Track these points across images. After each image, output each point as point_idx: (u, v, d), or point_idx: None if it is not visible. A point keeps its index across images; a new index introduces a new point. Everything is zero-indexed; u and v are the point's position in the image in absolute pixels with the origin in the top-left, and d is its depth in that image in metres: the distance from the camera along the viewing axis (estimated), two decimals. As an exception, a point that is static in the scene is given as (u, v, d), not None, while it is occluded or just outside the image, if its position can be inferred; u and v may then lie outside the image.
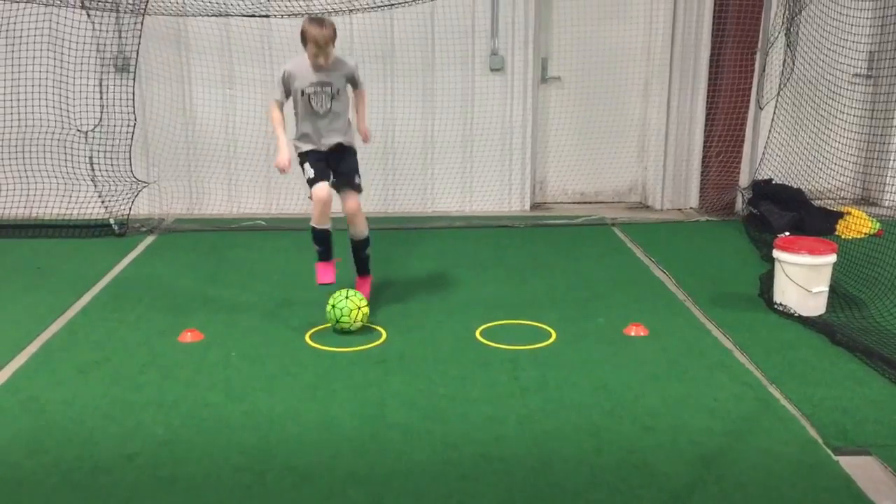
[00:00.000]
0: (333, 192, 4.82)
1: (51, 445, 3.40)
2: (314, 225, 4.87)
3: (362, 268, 5.12)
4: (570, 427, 3.58)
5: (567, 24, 7.69)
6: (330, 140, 4.81)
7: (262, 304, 5.17)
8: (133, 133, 7.02)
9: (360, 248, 5.04)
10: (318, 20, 4.58)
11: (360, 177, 4.93)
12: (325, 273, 4.96)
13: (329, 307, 4.62)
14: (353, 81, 4.88)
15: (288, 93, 4.74)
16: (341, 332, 4.62)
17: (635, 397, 3.87)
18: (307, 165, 4.79)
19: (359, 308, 4.61)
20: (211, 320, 4.85)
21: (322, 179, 4.76)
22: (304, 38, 4.57)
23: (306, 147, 4.82)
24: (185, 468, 3.24)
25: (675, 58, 7.68)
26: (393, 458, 3.32)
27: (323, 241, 4.92)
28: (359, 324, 4.64)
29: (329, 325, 4.68)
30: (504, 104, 7.71)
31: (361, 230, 4.96)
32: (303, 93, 4.68)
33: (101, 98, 6.96)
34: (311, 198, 4.80)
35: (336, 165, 4.86)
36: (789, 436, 3.52)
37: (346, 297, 4.62)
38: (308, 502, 3.02)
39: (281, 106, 4.79)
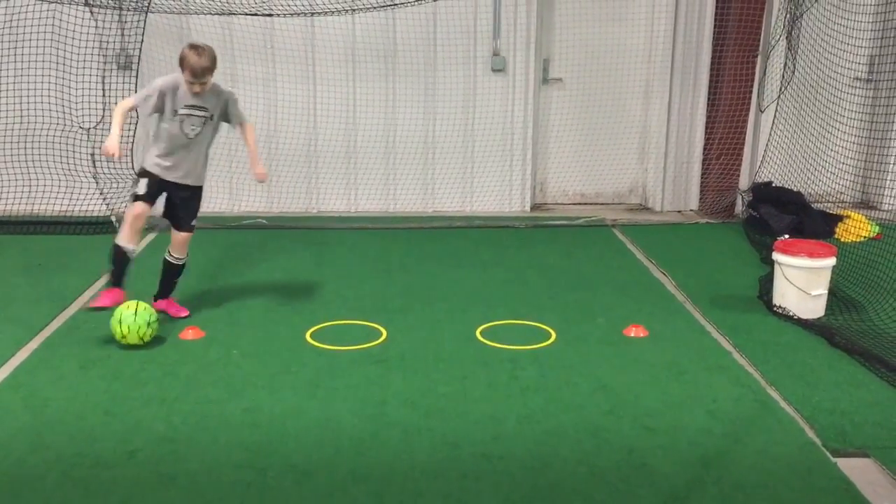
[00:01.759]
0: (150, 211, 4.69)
1: (52, 441, 3.41)
2: (122, 243, 4.65)
3: (168, 290, 4.96)
4: (570, 427, 3.59)
5: (569, 25, 7.71)
6: (184, 176, 4.65)
7: (263, 302, 5.18)
8: (135, 131, 7.02)
9: (174, 273, 4.93)
10: (196, 48, 4.36)
11: (195, 220, 4.85)
12: (107, 296, 4.69)
13: (114, 322, 4.36)
14: (228, 114, 4.70)
15: (158, 109, 4.48)
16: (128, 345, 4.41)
17: (635, 398, 3.89)
18: (143, 181, 4.61)
19: (148, 324, 4.36)
20: (212, 318, 4.87)
21: (148, 202, 4.61)
22: (182, 64, 4.36)
23: (155, 170, 4.61)
24: (186, 465, 3.25)
25: (676, 60, 7.70)
26: (393, 456, 3.33)
27: (124, 263, 4.72)
28: (147, 339, 4.39)
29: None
30: (505, 105, 7.73)
31: (182, 255, 4.88)
32: (176, 112, 4.49)
33: (104, 95, 6.97)
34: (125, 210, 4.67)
35: (179, 208, 4.74)
36: (788, 437, 3.53)
37: (136, 313, 4.35)
38: (308, 500, 3.03)
39: (132, 108, 4.53)
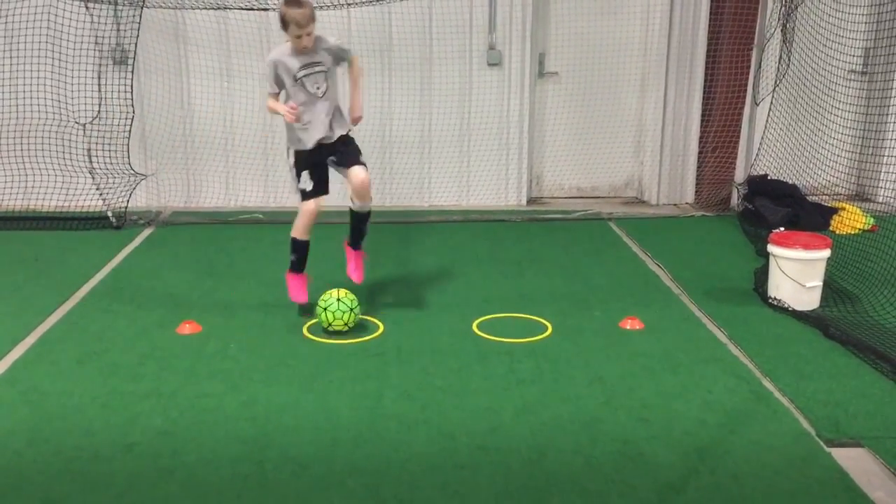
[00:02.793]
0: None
1: (50, 435, 3.43)
2: (297, 237, 4.79)
3: (357, 240, 4.96)
4: (566, 418, 3.61)
5: (564, 19, 7.71)
6: (326, 134, 4.62)
7: (260, 296, 5.19)
8: (131, 125, 7.02)
9: (362, 220, 4.88)
10: (294, 1, 4.36)
11: (362, 155, 4.76)
12: (298, 290, 4.86)
13: (320, 310, 4.53)
14: (341, 56, 4.65)
15: (279, 84, 4.58)
16: (334, 332, 4.59)
17: (630, 389, 3.91)
18: (305, 175, 4.64)
19: (351, 311, 4.53)
20: (209, 312, 4.88)
21: (317, 195, 4.67)
22: (284, 21, 4.37)
23: (307, 143, 4.61)
24: (184, 458, 3.26)
25: (671, 53, 7.70)
26: (390, 448, 3.35)
27: (301, 251, 4.84)
28: (351, 324, 4.57)
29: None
30: (501, 99, 7.74)
31: (367, 202, 4.77)
32: (296, 78, 4.53)
33: (100, 90, 6.97)
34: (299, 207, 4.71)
35: (338, 156, 4.69)
36: (782, 428, 3.55)
37: (338, 300, 4.53)
38: (306, 492, 3.05)
39: (276, 97, 4.63)
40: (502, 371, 4.11)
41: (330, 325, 4.53)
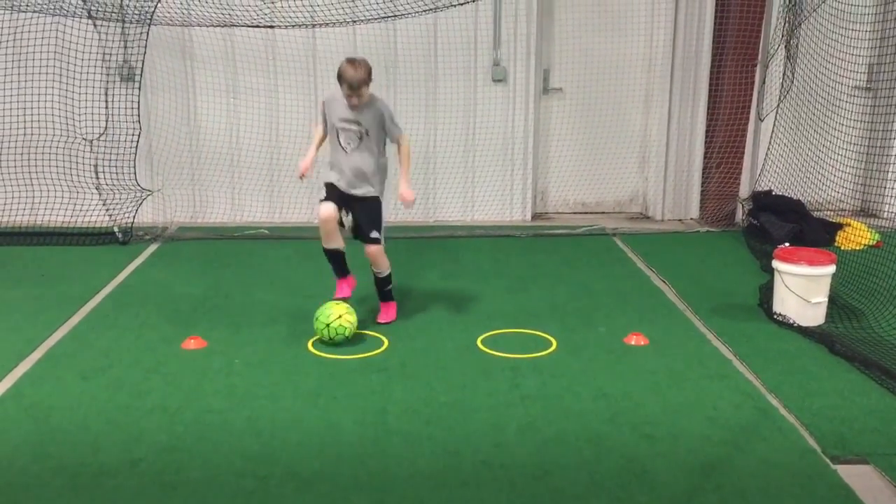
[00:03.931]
0: (337, 209, 4.77)
1: (55, 451, 3.43)
2: (323, 245, 4.90)
3: (383, 297, 5.09)
4: (571, 435, 3.60)
5: (569, 35, 7.75)
6: (348, 187, 4.76)
7: (265, 311, 5.20)
8: (138, 142, 7.07)
9: (381, 283, 5.03)
10: (353, 61, 4.53)
11: (379, 231, 4.81)
12: (340, 289, 5.00)
13: (322, 326, 4.58)
14: (384, 126, 4.72)
15: (324, 121, 4.79)
16: (337, 342, 4.61)
17: (635, 406, 3.90)
18: (324, 190, 4.83)
19: (327, 326, 4.55)
20: (214, 328, 4.89)
21: (328, 200, 4.75)
22: (340, 78, 4.55)
23: (329, 178, 4.81)
24: (189, 474, 3.26)
25: (675, 69, 7.73)
26: (394, 464, 3.35)
27: (334, 260, 4.96)
28: (346, 327, 4.58)
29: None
30: (506, 115, 7.76)
31: (380, 269, 4.95)
32: (333, 126, 4.73)
33: (107, 107, 7.02)
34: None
35: (357, 219, 4.81)
36: (788, 445, 3.54)
37: (318, 316, 4.60)
38: (310, 508, 3.05)
39: (317, 128, 4.88)
40: (507, 387, 4.10)
41: (331, 338, 4.58)
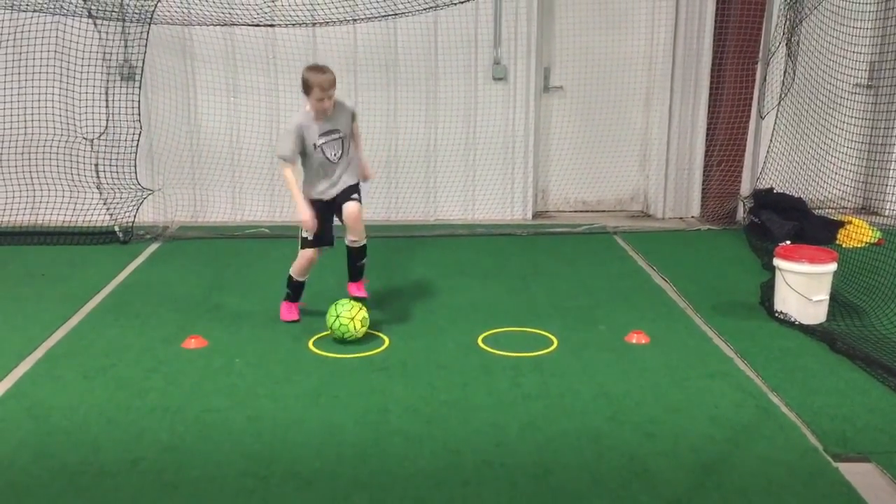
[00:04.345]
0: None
1: (56, 451, 3.43)
2: (295, 276, 4.96)
3: (356, 274, 5.02)
4: (572, 433, 3.60)
5: (569, 34, 7.74)
6: (342, 185, 4.79)
7: (266, 310, 5.20)
8: (138, 141, 7.07)
9: (358, 257, 4.94)
10: (317, 67, 4.58)
11: (359, 194, 4.87)
12: (289, 313, 5.03)
13: (331, 319, 4.61)
14: (352, 126, 4.81)
15: (299, 148, 4.64)
16: (346, 341, 4.64)
17: (636, 404, 3.89)
18: (308, 231, 4.77)
19: (352, 318, 4.58)
20: (215, 327, 4.88)
21: (316, 246, 4.81)
22: (308, 85, 4.51)
23: (312, 196, 4.77)
24: (190, 473, 3.26)
25: (676, 68, 7.72)
26: (395, 463, 3.35)
27: (297, 290, 5.03)
28: (362, 331, 4.64)
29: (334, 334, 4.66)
30: (506, 113, 7.76)
31: (360, 238, 4.85)
32: (315, 146, 4.65)
33: (107, 106, 7.02)
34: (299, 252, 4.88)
35: (339, 198, 4.80)
36: (790, 443, 3.54)
37: (344, 307, 4.63)
38: (311, 507, 3.05)
39: (293, 165, 4.66)
40: (508, 386, 4.10)
41: (343, 336, 4.60)
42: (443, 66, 7.58)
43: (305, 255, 4.86)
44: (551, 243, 7.08)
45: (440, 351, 4.55)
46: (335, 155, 4.71)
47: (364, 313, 4.66)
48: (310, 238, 4.79)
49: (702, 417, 3.76)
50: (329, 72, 4.56)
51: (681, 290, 5.69)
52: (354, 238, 4.85)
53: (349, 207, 4.74)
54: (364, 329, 4.65)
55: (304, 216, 4.68)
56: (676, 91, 7.76)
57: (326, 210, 4.81)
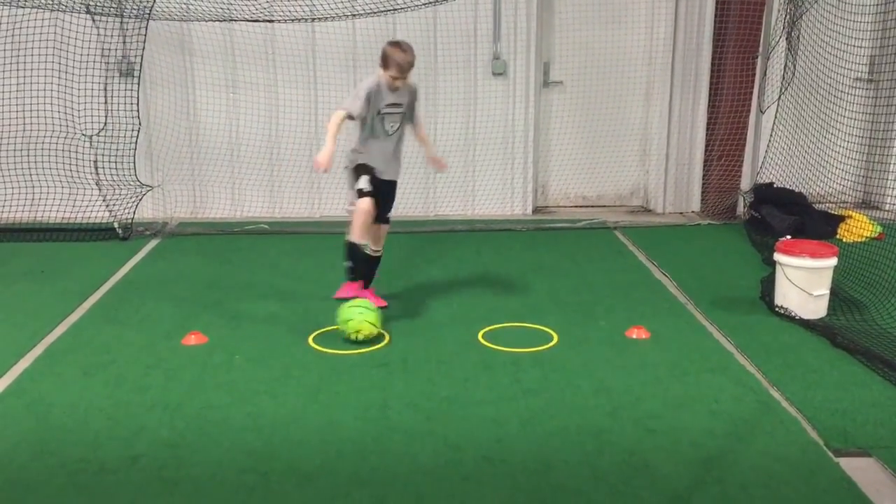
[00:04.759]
0: None
1: (56, 447, 3.43)
2: (356, 240, 4.88)
3: (369, 282, 5.21)
4: (572, 429, 3.60)
5: (569, 28, 7.72)
6: (390, 173, 4.92)
7: (266, 307, 5.19)
8: (137, 137, 7.05)
9: (373, 265, 5.18)
10: (400, 45, 4.67)
11: (393, 201, 5.12)
12: (376, 300, 4.96)
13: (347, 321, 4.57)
14: (414, 106, 4.95)
15: (365, 109, 4.69)
16: (340, 332, 4.61)
17: (636, 399, 3.89)
18: (364, 178, 4.80)
19: (361, 317, 4.54)
20: (215, 323, 4.88)
21: (374, 196, 4.82)
22: (388, 62, 4.62)
23: (370, 161, 4.83)
24: (190, 470, 3.26)
25: (676, 62, 7.71)
26: (396, 459, 3.34)
27: (362, 258, 5.00)
28: (366, 328, 4.56)
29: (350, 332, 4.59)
30: (506, 108, 7.74)
31: (378, 249, 5.11)
32: (379, 111, 4.75)
33: (106, 102, 7.00)
34: (352, 206, 4.86)
35: (381, 199, 4.91)
36: (790, 438, 3.53)
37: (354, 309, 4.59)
38: (311, 503, 3.04)
39: (344, 118, 4.63)
40: (508, 381, 4.10)
41: (358, 331, 4.54)
42: (442, 62, 7.57)
43: (362, 206, 4.77)
44: (551, 239, 7.07)
45: (440, 347, 4.55)
46: (392, 127, 4.82)
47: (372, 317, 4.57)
48: (367, 188, 4.78)
49: (702, 412, 3.76)
50: (411, 53, 4.66)
51: (681, 285, 5.69)
52: (376, 248, 5.10)
53: (381, 228, 5.05)
54: (370, 327, 4.57)
55: (321, 155, 4.53)
56: (676, 86, 7.75)
57: (376, 181, 4.87)
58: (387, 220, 5.08)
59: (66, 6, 6.71)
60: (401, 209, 7.82)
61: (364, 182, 4.81)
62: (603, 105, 7.91)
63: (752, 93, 7.56)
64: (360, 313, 4.53)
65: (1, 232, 6.83)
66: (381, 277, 5.72)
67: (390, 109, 4.78)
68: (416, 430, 3.58)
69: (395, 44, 4.71)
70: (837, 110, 7.03)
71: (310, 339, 4.63)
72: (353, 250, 5.01)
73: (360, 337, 4.52)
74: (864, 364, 4.28)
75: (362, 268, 5.10)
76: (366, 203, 4.79)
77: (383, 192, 4.94)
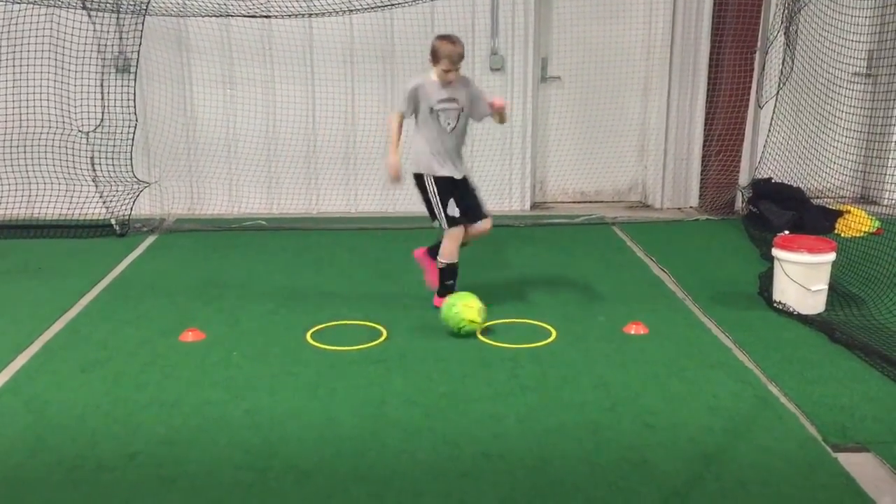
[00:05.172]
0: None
1: (53, 445, 3.42)
2: (452, 260, 4.91)
3: (437, 252, 5.08)
4: (570, 425, 3.59)
5: (567, 23, 7.71)
6: (452, 170, 4.82)
7: (263, 303, 5.18)
8: (134, 133, 7.04)
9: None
10: (449, 37, 4.63)
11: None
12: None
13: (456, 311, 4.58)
14: (479, 108, 4.85)
15: (414, 108, 4.74)
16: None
17: (635, 395, 3.89)
18: (451, 203, 4.79)
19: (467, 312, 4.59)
20: (212, 320, 4.87)
21: (462, 223, 4.83)
22: (437, 55, 4.60)
23: (442, 171, 4.79)
24: (187, 467, 3.25)
25: (674, 57, 7.70)
26: (394, 456, 3.34)
27: (455, 275, 5.00)
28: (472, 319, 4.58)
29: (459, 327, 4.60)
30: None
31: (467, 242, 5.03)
32: (431, 110, 4.71)
33: (103, 99, 6.98)
34: (444, 229, 4.85)
35: (465, 198, 4.87)
36: (788, 433, 3.53)
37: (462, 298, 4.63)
38: (309, 500, 3.04)
39: (402, 119, 4.77)
40: (506, 377, 4.09)
41: (465, 324, 4.56)
42: (440, 57, 7.54)
43: (455, 234, 4.83)
44: (549, 234, 7.06)
45: (438, 343, 4.54)
46: (449, 125, 4.76)
47: (474, 308, 4.58)
48: (457, 216, 4.80)
49: (700, 408, 3.76)
50: (460, 44, 4.63)
51: (679, 280, 5.68)
52: (465, 243, 5.00)
53: (485, 225, 4.96)
54: (471, 324, 4.56)
55: (390, 166, 4.71)
56: (675, 81, 7.74)
57: (454, 188, 4.82)
58: (485, 216, 4.95)
59: (62, 2, 6.68)
60: (398, 205, 7.85)
61: (453, 208, 4.79)
62: (601, 100, 7.89)
63: (750, 88, 7.55)
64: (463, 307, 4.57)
65: (-2, 229, 6.83)
66: (381, 273, 5.72)
67: (445, 105, 4.72)
68: (415, 427, 3.57)
69: (444, 37, 4.67)
70: (836, 105, 7.02)
71: (307, 336, 4.62)
72: (448, 270, 4.96)
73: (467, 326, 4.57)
74: (862, 359, 4.28)
75: (451, 280, 5.01)
76: (457, 231, 4.82)
77: (463, 196, 4.85)
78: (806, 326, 4.78)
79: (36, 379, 4.06)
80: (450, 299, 4.66)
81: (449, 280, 4.98)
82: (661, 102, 7.84)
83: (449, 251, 4.88)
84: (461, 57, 4.64)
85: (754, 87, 7.55)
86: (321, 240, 6.80)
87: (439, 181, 4.80)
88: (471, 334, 4.58)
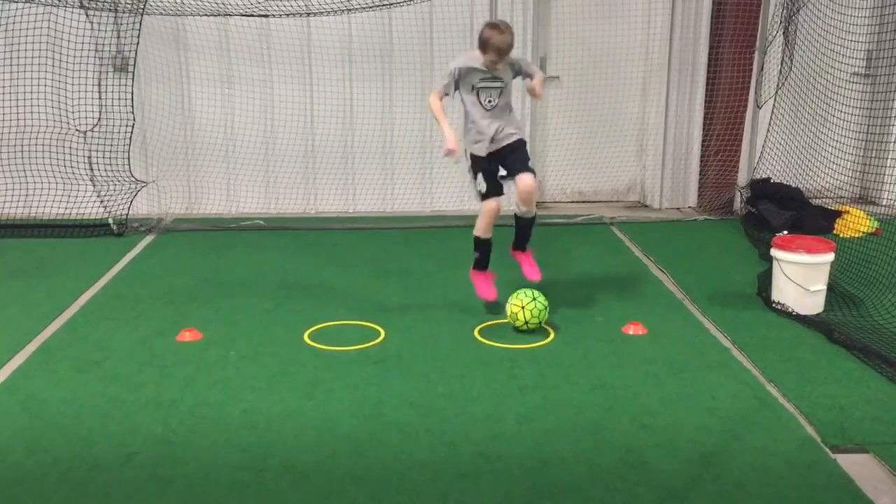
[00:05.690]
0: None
1: (50, 444, 3.41)
2: (479, 235, 4.92)
3: (523, 244, 5.10)
4: (569, 425, 3.58)
5: (565, 23, 7.70)
6: (501, 140, 4.76)
7: (261, 303, 5.17)
8: (132, 133, 7.02)
9: (527, 227, 5.01)
10: (498, 27, 4.54)
11: (530, 160, 4.87)
12: (486, 288, 5.01)
13: (516, 309, 4.61)
14: (522, 72, 4.81)
15: (455, 85, 4.69)
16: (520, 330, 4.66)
17: (633, 396, 3.88)
18: (480, 177, 4.78)
19: (546, 308, 4.63)
20: (210, 320, 4.86)
21: (494, 195, 4.80)
22: (486, 45, 4.53)
23: (477, 147, 4.78)
24: (184, 467, 3.24)
25: (673, 57, 7.69)
26: (391, 456, 3.33)
27: (485, 250, 4.98)
28: (543, 321, 4.65)
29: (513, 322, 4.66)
30: (502, 103, 7.70)
31: (531, 209, 4.91)
32: (473, 87, 4.67)
33: (100, 98, 6.96)
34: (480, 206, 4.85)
35: (507, 159, 4.79)
36: (787, 434, 3.52)
37: (534, 299, 4.62)
38: (306, 501, 3.03)
39: (442, 97, 4.69)
40: (504, 377, 4.08)
41: (526, 323, 4.59)
42: (438, 56, 7.53)
43: (487, 208, 4.81)
44: (548, 234, 7.04)
45: (436, 343, 4.53)
46: (489, 102, 4.70)
47: (537, 305, 4.60)
48: (484, 190, 4.78)
49: (699, 409, 3.75)
50: (509, 32, 4.53)
51: (678, 280, 5.68)
52: (526, 209, 4.89)
53: (523, 179, 4.74)
54: (536, 321, 4.61)
55: (448, 141, 4.57)
56: (673, 80, 7.73)
57: (488, 166, 4.78)
58: (530, 170, 4.77)
59: (59, 1, 6.67)
60: (397, 205, 7.84)
61: (480, 183, 4.79)
62: (599, 100, 7.88)
63: (748, 88, 7.54)
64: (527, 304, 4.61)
65: (-5, 228, 6.81)
66: (379, 273, 5.71)
67: (486, 84, 4.66)
68: (412, 427, 3.56)
69: (493, 26, 4.55)
70: (834, 105, 7.02)
71: (305, 336, 4.61)
72: (478, 242, 4.97)
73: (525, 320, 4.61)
74: (861, 360, 4.27)
75: (484, 257, 5.02)
76: (490, 204, 4.79)
77: (507, 159, 4.76)
78: (804, 327, 4.77)
79: (33, 378, 4.05)
80: (539, 297, 4.65)
81: (477, 253, 4.99)
82: (659, 102, 7.83)
83: (481, 225, 4.89)
84: (510, 47, 4.54)
85: (753, 87, 7.54)
86: (319, 239, 6.79)
87: (474, 158, 4.82)
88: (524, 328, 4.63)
